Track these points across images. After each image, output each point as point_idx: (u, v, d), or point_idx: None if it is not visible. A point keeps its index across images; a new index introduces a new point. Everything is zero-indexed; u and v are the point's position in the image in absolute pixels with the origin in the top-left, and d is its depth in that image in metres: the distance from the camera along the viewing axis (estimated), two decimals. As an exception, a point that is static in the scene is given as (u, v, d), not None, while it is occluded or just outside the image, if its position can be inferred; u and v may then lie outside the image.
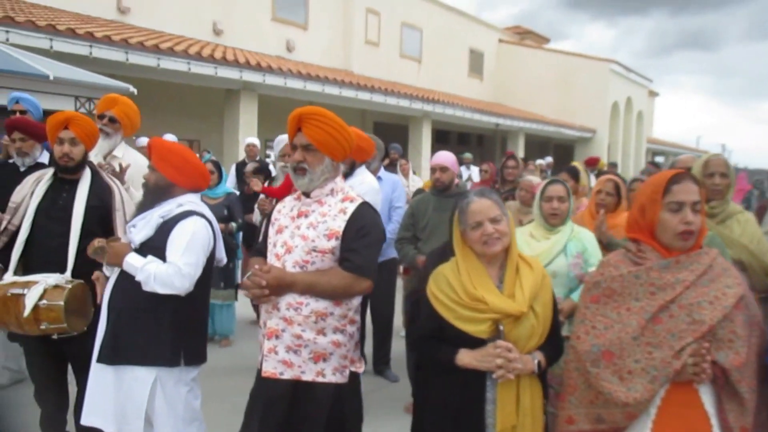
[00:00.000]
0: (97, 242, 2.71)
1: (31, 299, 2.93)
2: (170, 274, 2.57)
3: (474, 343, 2.16)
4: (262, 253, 2.65)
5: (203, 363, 2.85)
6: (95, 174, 3.37)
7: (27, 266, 3.16)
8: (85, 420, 2.72)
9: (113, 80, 8.06)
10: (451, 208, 4.05)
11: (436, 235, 4.09)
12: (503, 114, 20.25)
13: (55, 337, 3.00)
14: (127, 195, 3.46)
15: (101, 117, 3.91)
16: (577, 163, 14.46)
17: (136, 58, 9.98)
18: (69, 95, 7.48)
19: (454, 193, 4.20)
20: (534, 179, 5.37)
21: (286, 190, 4.05)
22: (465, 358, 2.14)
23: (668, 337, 2.00)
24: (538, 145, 24.23)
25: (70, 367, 3.38)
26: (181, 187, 2.80)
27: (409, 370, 4.43)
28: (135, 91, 8.07)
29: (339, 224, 2.45)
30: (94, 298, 3.10)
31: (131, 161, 3.97)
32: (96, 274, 3.06)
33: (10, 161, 4.28)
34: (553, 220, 3.28)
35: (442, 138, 21.39)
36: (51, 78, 6.99)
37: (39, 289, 2.96)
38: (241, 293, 4.23)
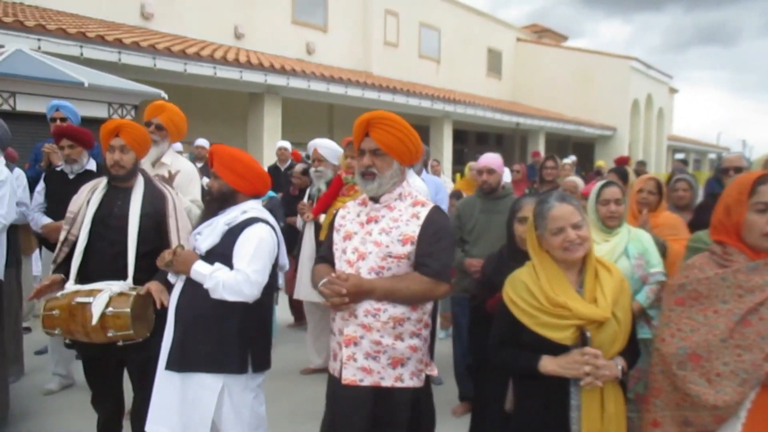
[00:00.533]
0: (167, 254, 2.71)
1: (97, 307, 2.94)
2: (239, 282, 2.57)
3: (555, 349, 2.13)
4: (327, 260, 2.63)
5: (268, 369, 2.84)
6: (148, 181, 3.38)
7: (85, 274, 3.18)
8: (150, 427, 2.72)
9: (145, 86, 8.12)
10: (498, 211, 4.09)
11: (483, 237, 4.06)
12: (524, 113, 20.16)
13: (120, 343, 3.01)
14: (180, 201, 3.47)
15: (148, 124, 3.93)
16: (602, 162, 14.37)
17: (164, 64, 10.06)
18: (102, 102, 7.55)
19: (500, 196, 4.17)
20: (577, 180, 5.33)
21: (333, 195, 4.07)
22: (549, 365, 2.11)
23: (758, 340, 1.96)
24: (557, 144, 24.09)
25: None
26: (244, 194, 2.79)
27: (458, 374, 4.40)
28: (166, 96, 8.12)
29: (413, 229, 2.44)
30: (154, 304, 3.11)
31: (179, 168, 3.98)
32: (153, 285, 3.06)
33: (58, 169, 4.32)
34: (611, 223, 3.24)
35: (461, 138, 21.34)
36: (86, 85, 7.06)
37: (105, 296, 2.97)
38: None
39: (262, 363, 2.78)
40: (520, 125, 20.06)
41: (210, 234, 2.70)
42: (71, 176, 4.24)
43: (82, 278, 3.18)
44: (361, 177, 2.53)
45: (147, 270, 3.22)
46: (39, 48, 8.41)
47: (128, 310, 2.92)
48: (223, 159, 2.77)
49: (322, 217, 4.48)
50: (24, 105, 6.85)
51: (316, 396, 4.61)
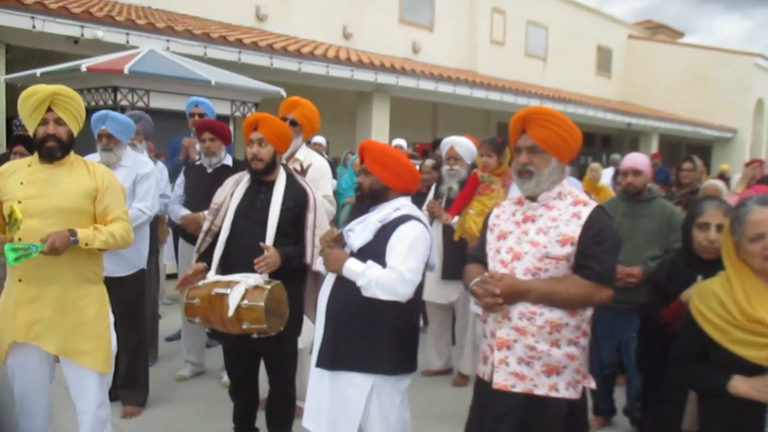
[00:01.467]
0: (329, 236, 2.69)
1: (233, 299, 2.97)
2: (393, 280, 2.50)
3: (749, 368, 1.91)
4: (479, 259, 2.53)
5: (415, 371, 2.76)
6: (290, 176, 3.39)
7: (226, 265, 3.23)
8: (305, 423, 2.72)
9: (266, 84, 8.33)
10: (644, 215, 3.82)
11: (627, 243, 3.79)
12: (636, 113, 19.21)
13: (254, 336, 3.04)
14: (320, 197, 3.47)
15: (282, 120, 3.95)
16: (726, 167, 13.40)
17: (280, 63, 10.32)
18: (226, 99, 7.80)
19: (646, 199, 3.90)
20: (719, 184, 4.94)
21: (469, 195, 3.95)
22: (741, 386, 1.91)
23: None
24: (669, 147, 22.79)
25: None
26: (395, 191, 2.73)
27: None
28: (285, 94, 8.30)
29: (573, 229, 2.29)
30: (290, 300, 3.11)
31: (311, 162, 4.00)
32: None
33: (197, 163, 4.46)
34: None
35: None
36: (212, 83, 7.32)
37: (241, 289, 3.00)
38: None
39: (410, 364, 2.70)
40: (632, 126, 19.13)
41: (363, 231, 2.65)
42: (209, 170, 4.36)
43: (223, 269, 3.23)
44: (518, 175, 2.41)
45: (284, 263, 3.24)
46: (168, 48, 8.83)
47: (262, 303, 2.92)
48: (374, 154, 2.72)
49: (454, 219, 4.39)
50: (157, 102, 7.19)
51: (437, 398, 4.54)
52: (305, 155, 4.05)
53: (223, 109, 7.81)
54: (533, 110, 2.38)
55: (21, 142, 4.70)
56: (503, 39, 19.38)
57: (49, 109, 2.82)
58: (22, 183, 2.80)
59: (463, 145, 4.47)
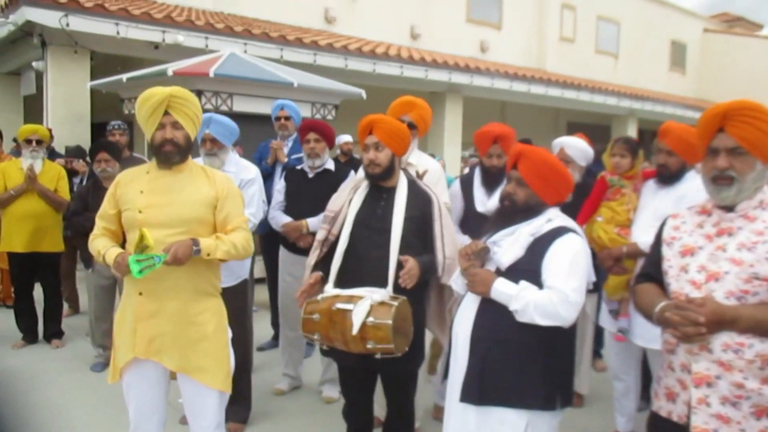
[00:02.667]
0: (472, 249, 2.41)
1: (358, 316, 2.74)
2: (554, 303, 2.20)
3: None
4: (653, 278, 2.20)
5: (571, 405, 2.46)
6: (411, 182, 3.14)
7: (344, 278, 3.00)
8: None
9: (348, 86, 8.15)
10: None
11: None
12: (716, 110, 18.22)
13: (378, 356, 2.79)
14: (444, 204, 3.20)
15: (399, 121, 3.71)
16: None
17: (354, 64, 10.18)
18: (306, 101, 7.65)
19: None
20: None
21: (597, 201, 3.61)
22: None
23: None
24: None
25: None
26: (549, 203, 2.44)
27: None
28: (365, 96, 8.11)
29: None
30: (414, 316, 2.86)
31: (426, 167, 3.74)
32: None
33: (297, 167, 4.27)
34: None
35: (643, 138, 19.80)
36: (295, 85, 7.18)
37: (366, 305, 2.77)
38: None
39: (567, 397, 2.40)
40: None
41: (512, 245, 2.36)
42: (311, 175, 4.16)
43: (340, 281, 3.01)
44: (713, 182, 2.05)
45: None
46: (245, 51, 8.78)
47: (390, 321, 2.68)
48: (534, 165, 2.41)
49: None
50: (239, 106, 7.11)
51: None
52: (418, 159, 3.79)
53: (304, 111, 7.63)
54: (736, 105, 2.02)
55: (104, 149, 4.62)
56: (573, 35, 18.73)
57: (166, 113, 2.65)
58: (142, 191, 2.65)
59: (575, 146, 4.12)
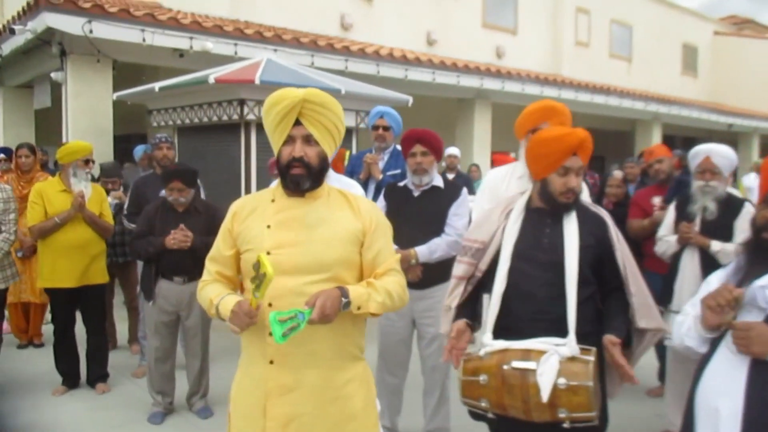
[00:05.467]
0: (723, 300, 1.85)
1: (547, 378, 2.18)
2: None
3: None
4: None
5: None
6: (580, 203, 2.57)
7: (503, 325, 2.43)
8: None
9: (396, 93, 7.58)
10: None
11: None
12: (736, 113, 17.88)
13: (566, 425, 2.22)
14: (616, 228, 2.63)
15: (534, 132, 3.12)
16: None
17: (386, 71, 9.68)
18: (351, 110, 7.08)
19: None
20: None
21: None
22: None
23: None
24: (764, 148, 21.27)
25: None
26: None
27: None
28: (410, 103, 7.57)
29: None
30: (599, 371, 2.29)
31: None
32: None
33: (400, 184, 3.69)
34: None
35: (668, 144, 19.39)
36: (342, 92, 6.61)
37: (554, 362, 2.21)
38: None
39: None
40: (733, 127, 17.79)
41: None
42: (416, 193, 3.58)
43: (497, 330, 2.44)
44: None
45: (591, 320, 2.42)
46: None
47: (590, 384, 2.15)
48: None
49: (719, 246, 3.53)
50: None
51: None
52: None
53: (348, 120, 7.09)
54: None
55: (178, 176, 3.96)
56: (588, 40, 18.34)
57: (298, 122, 2.07)
58: (269, 226, 2.05)
59: (723, 155, 3.66)
